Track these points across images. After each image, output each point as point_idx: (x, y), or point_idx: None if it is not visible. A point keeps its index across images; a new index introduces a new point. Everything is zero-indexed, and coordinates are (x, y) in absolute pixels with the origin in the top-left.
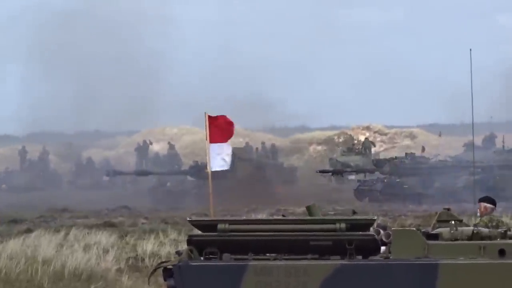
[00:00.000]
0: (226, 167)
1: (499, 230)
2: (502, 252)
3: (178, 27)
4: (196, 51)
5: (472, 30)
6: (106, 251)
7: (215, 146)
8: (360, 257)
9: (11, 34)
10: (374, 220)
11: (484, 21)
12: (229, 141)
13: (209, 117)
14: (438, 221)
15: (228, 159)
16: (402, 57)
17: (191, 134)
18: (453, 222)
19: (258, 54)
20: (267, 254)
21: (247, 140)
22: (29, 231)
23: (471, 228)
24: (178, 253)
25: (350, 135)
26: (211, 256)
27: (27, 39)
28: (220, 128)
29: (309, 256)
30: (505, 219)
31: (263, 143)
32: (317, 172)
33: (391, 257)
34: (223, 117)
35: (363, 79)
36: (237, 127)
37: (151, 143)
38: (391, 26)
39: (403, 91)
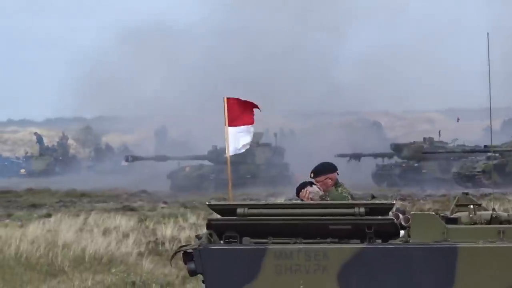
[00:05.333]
0: (242, 150)
1: None
2: None
3: None
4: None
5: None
6: (126, 235)
7: (233, 130)
8: (379, 241)
9: None
10: (393, 204)
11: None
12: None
13: (227, 100)
14: (457, 205)
15: (246, 141)
16: (417, 41)
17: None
18: (471, 206)
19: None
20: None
21: (265, 125)
22: (48, 215)
23: (490, 212)
24: (198, 237)
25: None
26: (230, 240)
27: None
28: (239, 111)
29: (328, 240)
30: None
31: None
32: (335, 156)
33: (410, 241)
34: (242, 100)
35: (379, 63)
36: (255, 112)
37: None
38: (405, 10)
39: (421, 76)
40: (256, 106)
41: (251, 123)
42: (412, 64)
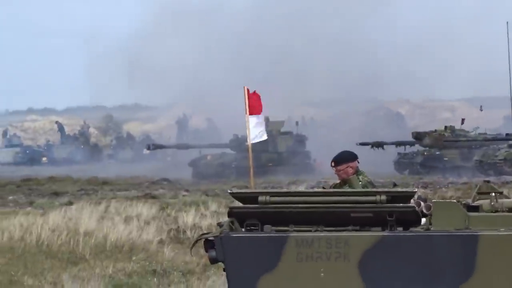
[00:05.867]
0: (264, 138)
1: None
2: None
3: None
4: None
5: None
6: (147, 223)
7: (254, 118)
8: (400, 228)
9: None
10: (415, 192)
11: None
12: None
13: (248, 90)
14: (478, 193)
15: (263, 129)
16: (439, 30)
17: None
18: (493, 194)
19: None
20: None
21: (287, 113)
22: (70, 203)
23: (511, 200)
24: (220, 224)
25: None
26: (252, 227)
27: None
28: (255, 101)
29: (350, 227)
30: None
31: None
32: (357, 144)
33: (431, 229)
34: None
35: (402, 52)
36: (277, 100)
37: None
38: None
39: (443, 64)
40: (257, 95)
41: (259, 112)
42: (434, 52)
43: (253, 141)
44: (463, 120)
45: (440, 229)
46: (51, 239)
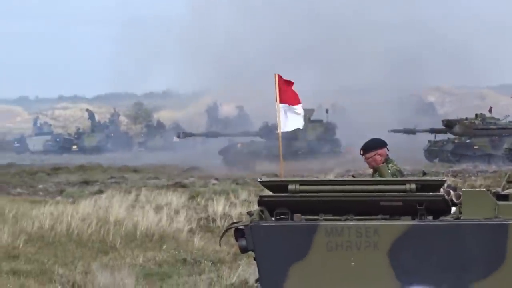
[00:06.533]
0: (296, 127)
1: None
2: None
3: None
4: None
5: None
6: (177, 212)
7: (284, 107)
8: (430, 217)
9: None
10: (445, 181)
11: None
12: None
13: (279, 77)
14: (508, 181)
15: (299, 119)
16: (472, 17)
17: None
18: None
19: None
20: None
21: (318, 101)
22: (100, 192)
23: None
24: (249, 213)
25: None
26: (282, 216)
27: None
28: (289, 90)
29: (379, 216)
30: None
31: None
32: (389, 131)
33: (461, 218)
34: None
35: (436, 39)
36: (308, 88)
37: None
38: None
39: (471, 52)
40: (291, 83)
41: (297, 103)
42: (465, 39)
43: (284, 130)
44: (490, 108)
45: (470, 218)
46: (81, 228)
